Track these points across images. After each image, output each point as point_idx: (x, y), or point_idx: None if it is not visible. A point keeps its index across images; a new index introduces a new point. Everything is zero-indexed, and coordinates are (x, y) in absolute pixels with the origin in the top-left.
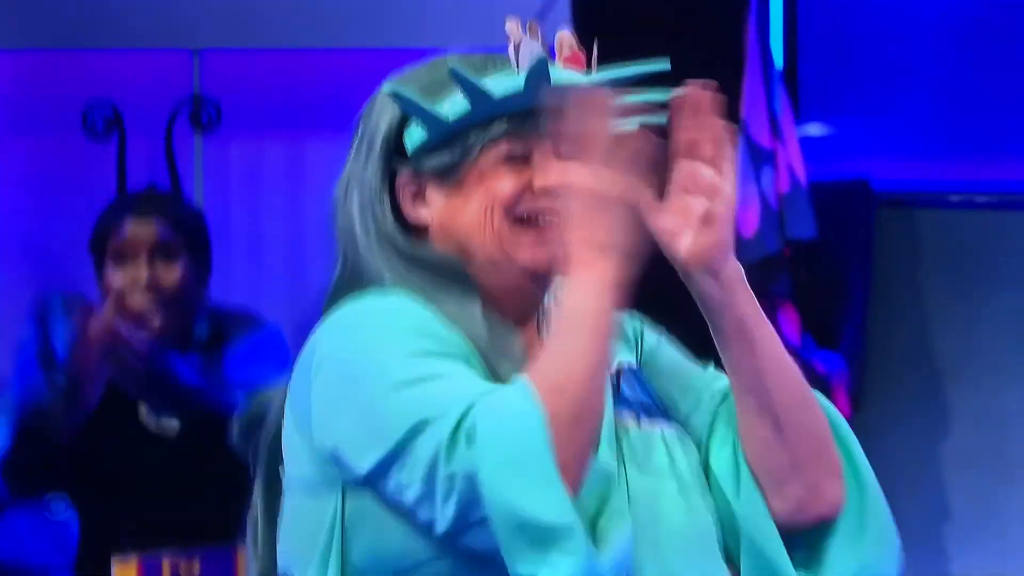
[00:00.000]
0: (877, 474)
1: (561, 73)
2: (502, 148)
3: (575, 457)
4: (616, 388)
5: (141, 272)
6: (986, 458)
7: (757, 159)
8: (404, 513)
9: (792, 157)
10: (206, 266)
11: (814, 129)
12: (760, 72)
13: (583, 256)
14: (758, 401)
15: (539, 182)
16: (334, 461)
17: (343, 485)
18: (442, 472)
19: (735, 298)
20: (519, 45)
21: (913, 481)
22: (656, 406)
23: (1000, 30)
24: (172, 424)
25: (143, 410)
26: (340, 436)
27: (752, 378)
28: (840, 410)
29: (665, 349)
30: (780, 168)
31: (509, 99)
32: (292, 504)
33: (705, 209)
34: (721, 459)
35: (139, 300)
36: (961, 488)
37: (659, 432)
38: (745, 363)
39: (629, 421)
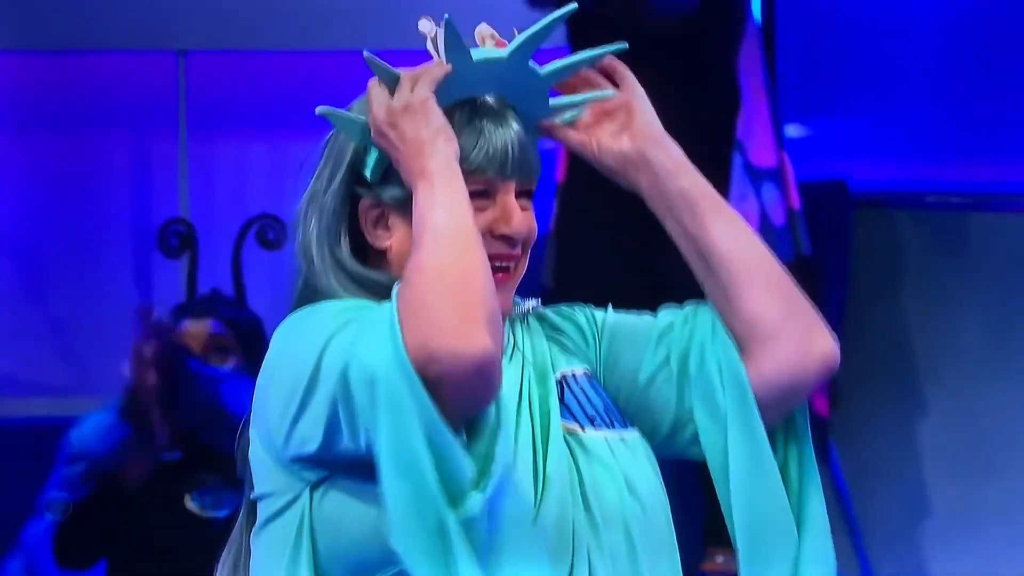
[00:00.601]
0: (854, 471)
1: (487, 51)
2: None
3: (467, 308)
4: (560, 397)
5: None
6: (962, 455)
7: (756, 177)
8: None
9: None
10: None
11: (792, 130)
12: (764, 90)
13: (412, 176)
14: (742, 255)
15: (503, 228)
16: (302, 463)
17: (310, 489)
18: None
19: (686, 161)
20: (435, 38)
21: (890, 478)
22: (602, 414)
23: (976, 35)
24: (219, 512)
25: (189, 499)
26: (292, 426)
27: (732, 232)
28: (817, 408)
29: (612, 319)
30: (788, 183)
31: (443, 90)
32: (263, 524)
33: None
34: (706, 367)
35: None
36: (937, 485)
37: (603, 438)
38: (719, 218)
39: (575, 428)
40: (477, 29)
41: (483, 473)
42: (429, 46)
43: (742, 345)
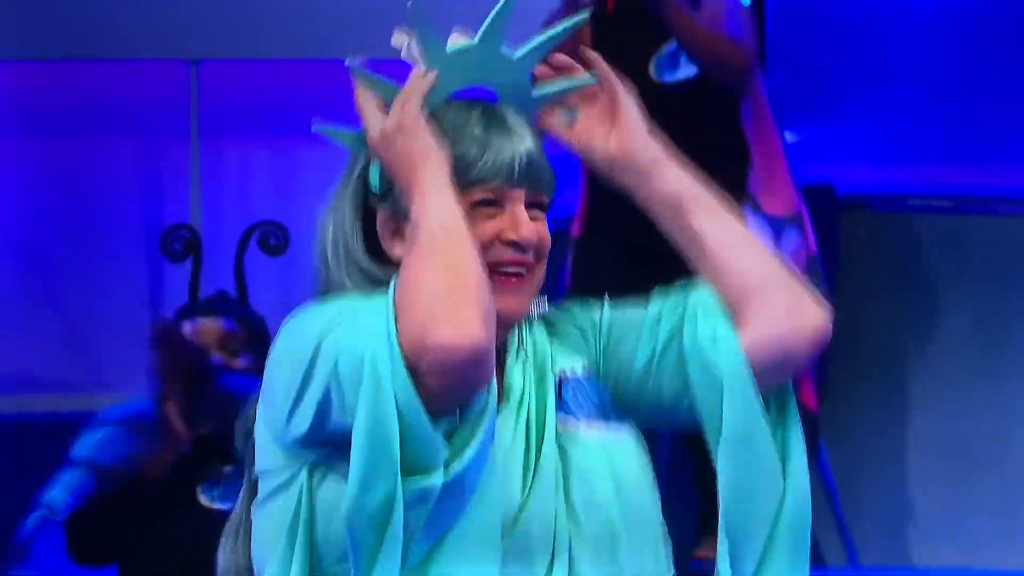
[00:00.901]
0: (842, 467)
1: (459, 44)
2: (473, 195)
3: (460, 299)
4: (558, 396)
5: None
6: (948, 451)
7: (776, 226)
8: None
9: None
10: None
11: None
12: (776, 137)
13: (407, 187)
14: (726, 247)
15: (511, 235)
16: (301, 444)
17: (308, 470)
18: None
19: (668, 161)
20: (410, 45)
21: (877, 474)
22: (597, 411)
23: (961, 40)
24: (230, 504)
25: (200, 491)
26: (292, 409)
27: (716, 226)
28: (806, 405)
29: (609, 314)
30: (806, 227)
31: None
32: (262, 501)
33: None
34: (699, 338)
35: None
36: (924, 480)
37: (596, 435)
38: (702, 214)
39: (571, 427)
40: (451, 38)
41: (456, 456)
42: (405, 55)
43: (735, 316)
